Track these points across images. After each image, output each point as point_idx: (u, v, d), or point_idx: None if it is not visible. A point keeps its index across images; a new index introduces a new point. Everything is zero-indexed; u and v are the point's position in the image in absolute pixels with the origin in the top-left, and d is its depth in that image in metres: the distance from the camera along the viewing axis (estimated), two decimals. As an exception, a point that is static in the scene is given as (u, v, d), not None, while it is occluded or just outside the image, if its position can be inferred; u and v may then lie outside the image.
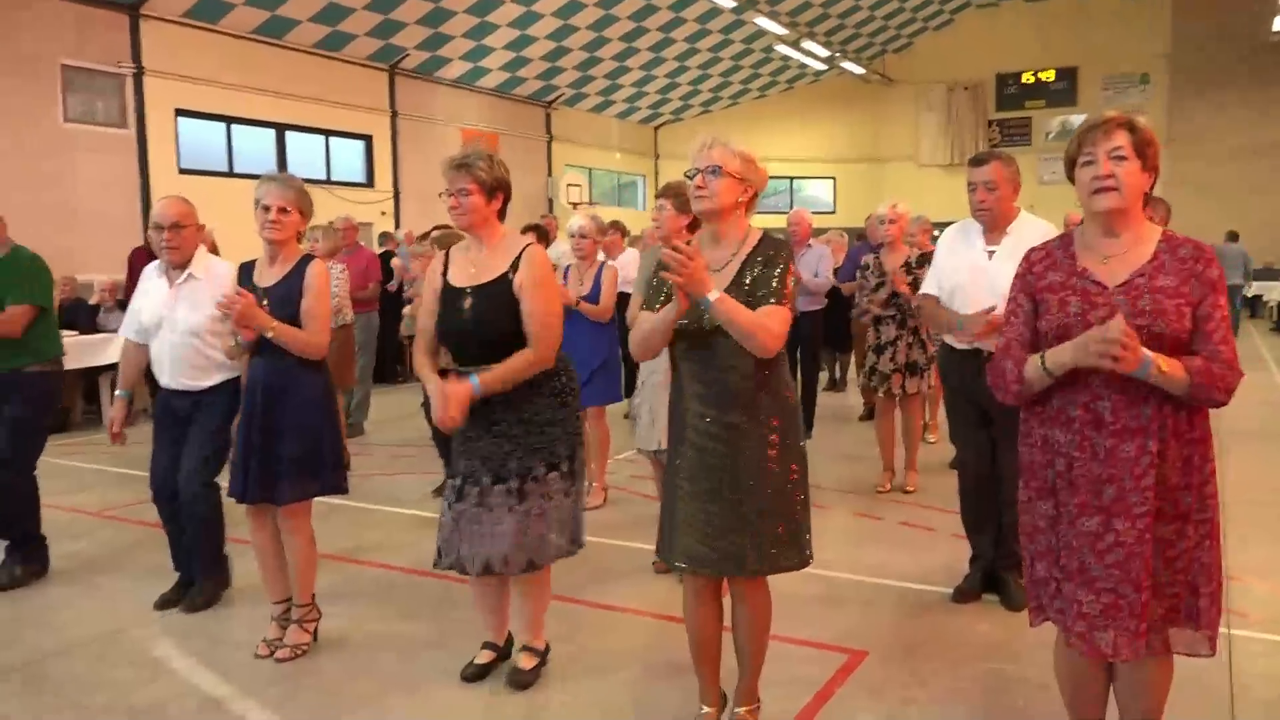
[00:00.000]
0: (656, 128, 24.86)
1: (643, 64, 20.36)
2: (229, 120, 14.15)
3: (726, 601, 3.11)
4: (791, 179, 25.30)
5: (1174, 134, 21.19)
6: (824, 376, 10.54)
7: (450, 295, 3.45)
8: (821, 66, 22.61)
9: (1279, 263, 20.13)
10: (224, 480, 4.43)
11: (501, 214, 3.52)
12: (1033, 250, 2.70)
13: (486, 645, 3.70)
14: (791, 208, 9.88)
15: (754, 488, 2.89)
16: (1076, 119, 23.41)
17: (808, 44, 20.36)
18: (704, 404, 2.93)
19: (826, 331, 8.68)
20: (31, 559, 4.93)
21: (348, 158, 16.33)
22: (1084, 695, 2.69)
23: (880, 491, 6.35)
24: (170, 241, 4.27)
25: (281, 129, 15.01)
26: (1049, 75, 23.72)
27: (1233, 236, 18.27)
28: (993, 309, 3.90)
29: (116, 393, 4.56)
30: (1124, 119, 2.47)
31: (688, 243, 2.78)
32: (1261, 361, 13.15)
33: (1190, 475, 2.47)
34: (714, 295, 2.71)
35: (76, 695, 3.59)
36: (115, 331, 9.75)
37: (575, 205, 19.47)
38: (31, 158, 11.39)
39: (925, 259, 5.78)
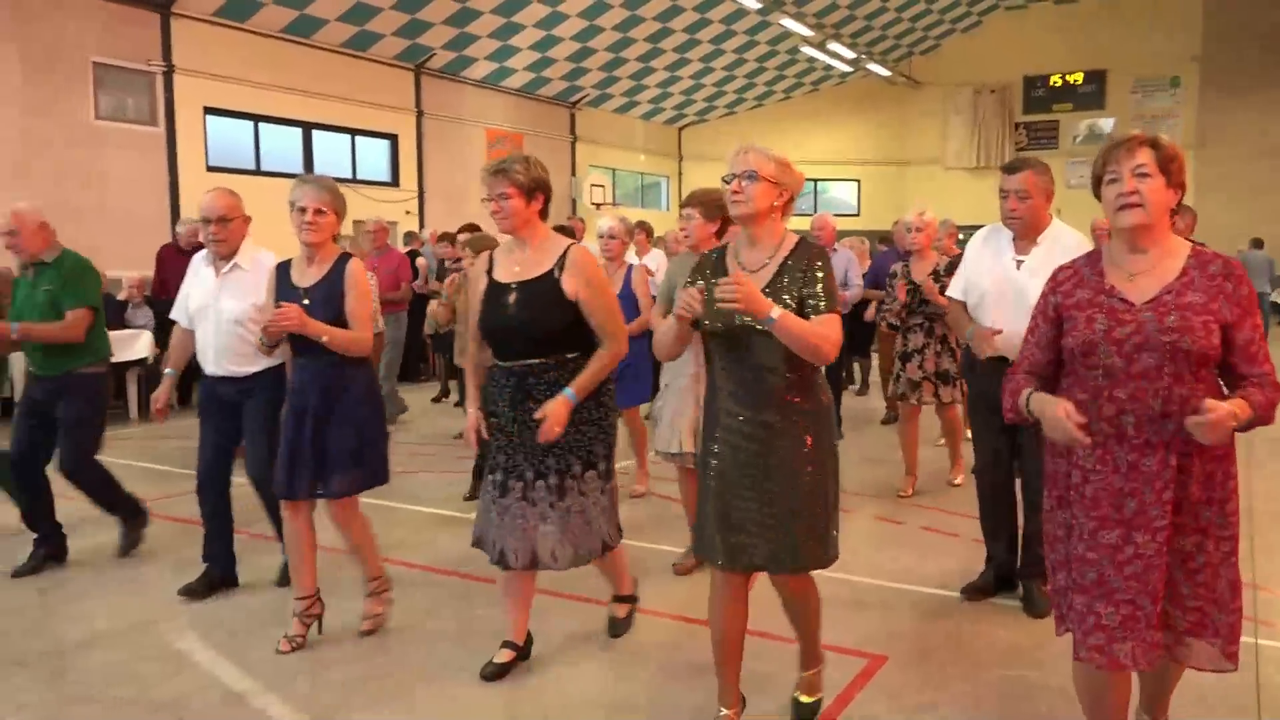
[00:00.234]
0: (681, 129, 24.84)
1: (668, 65, 20.35)
2: (257, 119, 14.27)
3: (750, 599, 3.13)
4: (815, 181, 25.20)
5: (1204, 138, 20.97)
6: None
7: (495, 292, 3.54)
8: (847, 68, 22.52)
9: (1310, 268, 19.87)
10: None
11: (543, 214, 3.60)
12: (1060, 269, 2.74)
13: (506, 644, 3.71)
14: (815, 210, 9.88)
15: (786, 486, 2.93)
16: (1105, 123, 23.21)
17: (833, 45, 20.28)
18: (738, 403, 2.98)
19: (847, 336, 8.63)
20: (133, 514, 5.22)
21: (373, 157, 16.43)
22: (1104, 705, 2.67)
23: (902, 496, 6.33)
24: (217, 234, 4.36)
25: (308, 128, 15.12)
26: (1077, 78, 23.51)
27: (1257, 243, 18.06)
28: (999, 331, 3.99)
29: (165, 370, 4.70)
30: (1148, 137, 2.52)
31: (718, 258, 3.00)
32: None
33: (1212, 490, 2.49)
34: (776, 313, 2.77)
35: (99, 687, 3.63)
36: (142, 327, 9.88)
37: (599, 206, 19.51)
38: (62, 154, 11.54)
39: (953, 266, 5.74)
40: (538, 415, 3.42)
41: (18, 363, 6.78)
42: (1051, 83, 23.79)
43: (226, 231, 4.37)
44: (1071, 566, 2.58)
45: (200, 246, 10.18)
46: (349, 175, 15.80)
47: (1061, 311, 2.64)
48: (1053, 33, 23.17)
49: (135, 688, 3.61)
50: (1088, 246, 3.88)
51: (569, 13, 16.55)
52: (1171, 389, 2.45)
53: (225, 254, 4.43)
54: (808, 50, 20.67)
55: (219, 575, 4.64)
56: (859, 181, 25.21)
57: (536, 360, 3.47)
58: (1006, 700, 3.44)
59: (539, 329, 3.45)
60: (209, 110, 13.45)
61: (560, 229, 7.57)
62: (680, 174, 24.87)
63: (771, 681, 3.50)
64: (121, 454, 7.77)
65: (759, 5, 17.02)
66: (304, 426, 3.85)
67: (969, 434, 7.74)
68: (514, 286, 3.50)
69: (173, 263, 9.84)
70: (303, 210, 3.82)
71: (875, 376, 9.53)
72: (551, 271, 3.47)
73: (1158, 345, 2.44)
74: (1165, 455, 2.45)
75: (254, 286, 4.29)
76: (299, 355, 3.91)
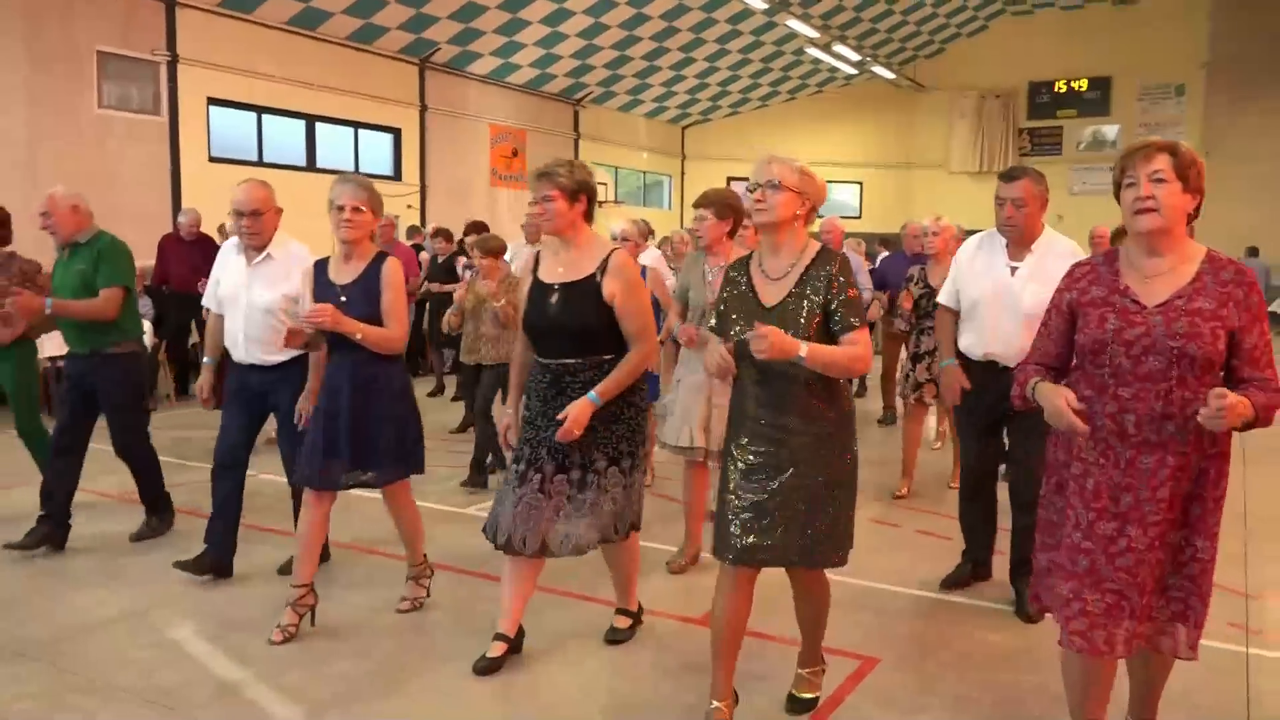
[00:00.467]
0: (684, 128, 24.84)
1: (672, 64, 20.35)
2: (260, 110, 14.26)
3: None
4: (818, 182, 25.18)
5: (1210, 145, 20.96)
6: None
7: (539, 291, 3.65)
8: (852, 71, 22.53)
9: (1314, 278, 19.87)
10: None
11: (588, 216, 3.67)
12: (1077, 265, 2.83)
13: (498, 636, 3.72)
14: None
15: (807, 486, 3.03)
16: (1109, 129, 23.21)
17: (839, 48, 20.30)
18: (763, 405, 3.07)
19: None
20: (165, 511, 5.37)
21: (376, 150, 16.42)
22: (1086, 692, 2.76)
23: (898, 497, 6.35)
24: (250, 228, 4.40)
25: (311, 120, 15.11)
26: (1082, 84, 23.51)
27: (1253, 251, 18.14)
28: (968, 389, 4.25)
29: (204, 360, 4.79)
30: (1167, 144, 2.58)
31: (744, 266, 3.15)
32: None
33: (1204, 487, 2.57)
34: (804, 351, 2.87)
35: (96, 675, 3.64)
36: (141, 317, 9.87)
37: (600, 204, 19.49)
38: (66, 143, 11.53)
39: None
40: (560, 416, 3.48)
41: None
42: (1056, 88, 23.81)
43: (260, 224, 4.43)
44: (1064, 553, 2.66)
45: (202, 237, 10.29)
46: (351, 168, 15.78)
47: (1076, 307, 2.72)
48: (1058, 38, 23.18)
49: (131, 677, 3.62)
50: (1080, 253, 4.03)
51: (575, 9, 16.54)
52: (1174, 391, 2.52)
53: (258, 246, 4.48)
54: (813, 52, 20.68)
55: (213, 559, 4.65)
56: (861, 184, 25.23)
57: (573, 360, 3.57)
58: (998, 703, 3.45)
59: (578, 329, 3.55)
60: (212, 101, 13.44)
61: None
62: (683, 173, 24.86)
63: (765, 682, 3.52)
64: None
65: (765, 6, 17.03)
66: (338, 421, 3.92)
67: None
68: (557, 287, 3.59)
69: (174, 252, 9.84)
70: (341, 208, 3.87)
71: (874, 379, 9.52)
72: (594, 275, 3.56)
73: (1165, 349, 2.51)
74: (1163, 455, 2.53)
75: (284, 276, 4.40)
76: (334, 351, 3.98)
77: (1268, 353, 2.54)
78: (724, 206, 4.63)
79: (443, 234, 10.66)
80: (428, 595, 4.34)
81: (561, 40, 17.59)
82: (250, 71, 13.68)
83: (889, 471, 6.75)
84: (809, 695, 3.38)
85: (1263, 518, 5.73)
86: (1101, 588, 2.58)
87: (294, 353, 4.42)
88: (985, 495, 4.51)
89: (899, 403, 6.85)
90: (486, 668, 3.64)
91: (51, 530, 5.07)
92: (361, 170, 15.88)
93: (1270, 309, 18.38)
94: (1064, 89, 23.73)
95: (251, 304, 4.45)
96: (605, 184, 20.60)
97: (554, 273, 3.64)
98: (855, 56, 21.02)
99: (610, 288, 3.54)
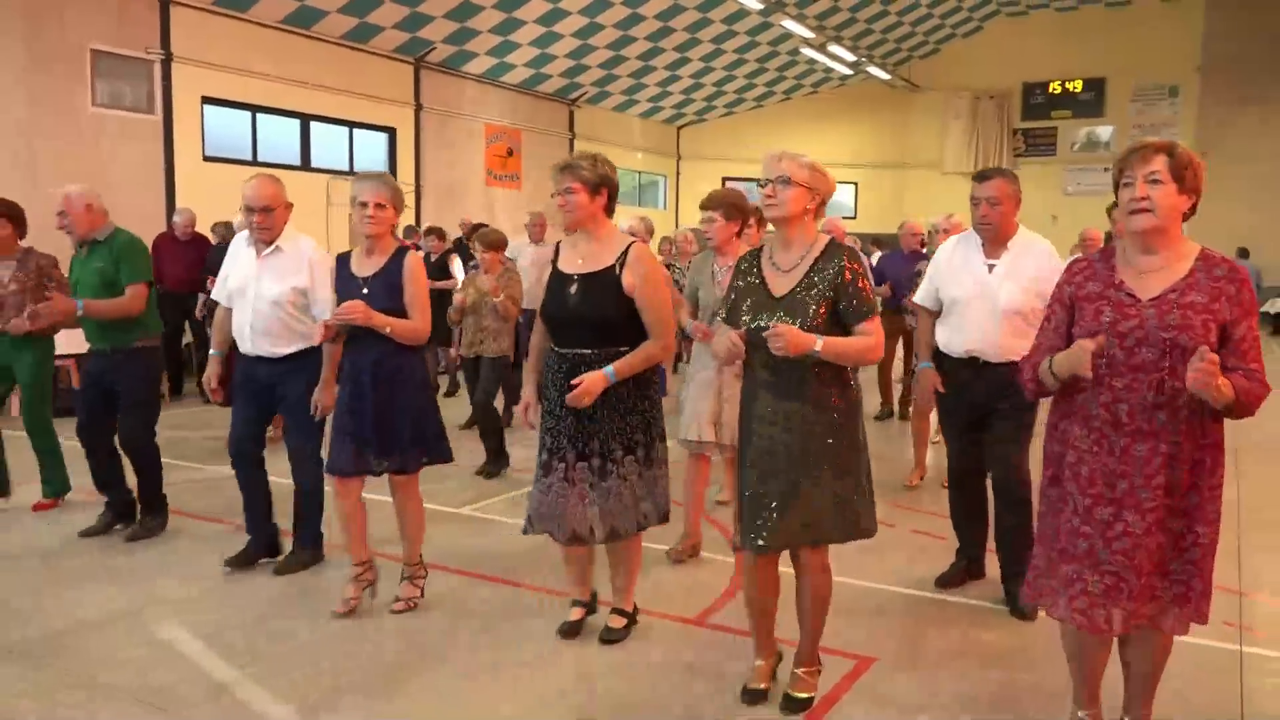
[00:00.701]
0: (679, 128, 24.83)
1: (668, 64, 20.35)
2: (254, 109, 14.23)
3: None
4: (813, 183, 25.18)
5: (1204, 146, 20.99)
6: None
7: (558, 281, 3.75)
8: (847, 71, 22.55)
9: (1307, 279, 19.97)
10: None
11: (609, 210, 3.76)
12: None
13: (576, 603, 4.04)
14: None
15: (815, 469, 3.15)
16: (1103, 130, 23.26)
17: (834, 48, 20.30)
18: (772, 393, 3.19)
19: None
20: (160, 513, 5.40)
21: (371, 150, 16.39)
22: (1083, 665, 2.95)
23: (909, 486, 6.57)
24: (261, 223, 4.47)
25: (306, 119, 15.09)
26: (1076, 85, 23.55)
27: (1243, 253, 18.24)
28: (940, 391, 4.37)
29: (211, 352, 4.84)
30: (1164, 144, 2.66)
31: (755, 259, 3.28)
32: (1283, 379, 13.03)
33: (1200, 477, 2.67)
34: (819, 345, 3.03)
35: (89, 674, 3.62)
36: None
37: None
38: (60, 141, 11.49)
39: None
40: (574, 382, 3.55)
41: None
42: (1051, 89, 23.84)
43: (271, 220, 4.49)
44: (1064, 537, 2.77)
45: (197, 236, 10.27)
46: (346, 168, 15.76)
47: (1075, 301, 2.81)
48: (1053, 39, 23.21)
49: (124, 676, 3.60)
50: (1054, 251, 4.29)
51: (570, 9, 16.53)
52: (1166, 382, 2.61)
53: (268, 240, 4.53)
54: (808, 52, 20.69)
55: (253, 548, 4.81)
56: (856, 184, 25.24)
57: (589, 350, 3.65)
58: (994, 702, 3.45)
59: (595, 319, 3.63)
60: (206, 100, 13.40)
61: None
62: (678, 173, 24.87)
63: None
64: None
65: (760, 6, 17.03)
66: (363, 410, 4.06)
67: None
68: (576, 277, 3.69)
69: (168, 252, 9.82)
70: (364, 204, 4.01)
71: (873, 375, 9.52)
72: (613, 266, 3.65)
73: (1158, 340, 2.61)
74: (1156, 443, 2.62)
75: (294, 269, 4.49)
76: (353, 342, 4.10)
77: (1255, 346, 2.62)
78: (732, 208, 4.76)
79: (435, 232, 10.69)
80: (422, 595, 4.33)
81: (557, 40, 17.57)
82: (245, 70, 13.64)
83: (885, 468, 6.74)
84: (804, 695, 3.38)
85: (1256, 516, 5.74)
86: (1100, 569, 2.68)
87: (301, 345, 4.53)
88: (972, 491, 4.56)
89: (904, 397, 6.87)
90: (569, 630, 3.94)
91: (118, 512, 5.38)
92: (356, 170, 15.85)
93: (1263, 309, 18.57)
94: (1058, 90, 23.77)
95: (260, 296, 4.50)
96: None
97: (574, 263, 3.72)
98: (850, 57, 21.04)
99: (630, 279, 3.62)
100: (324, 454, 4.74)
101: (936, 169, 24.23)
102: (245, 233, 4.66)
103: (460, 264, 10.46)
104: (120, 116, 12.31)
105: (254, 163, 14.02)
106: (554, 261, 3.82)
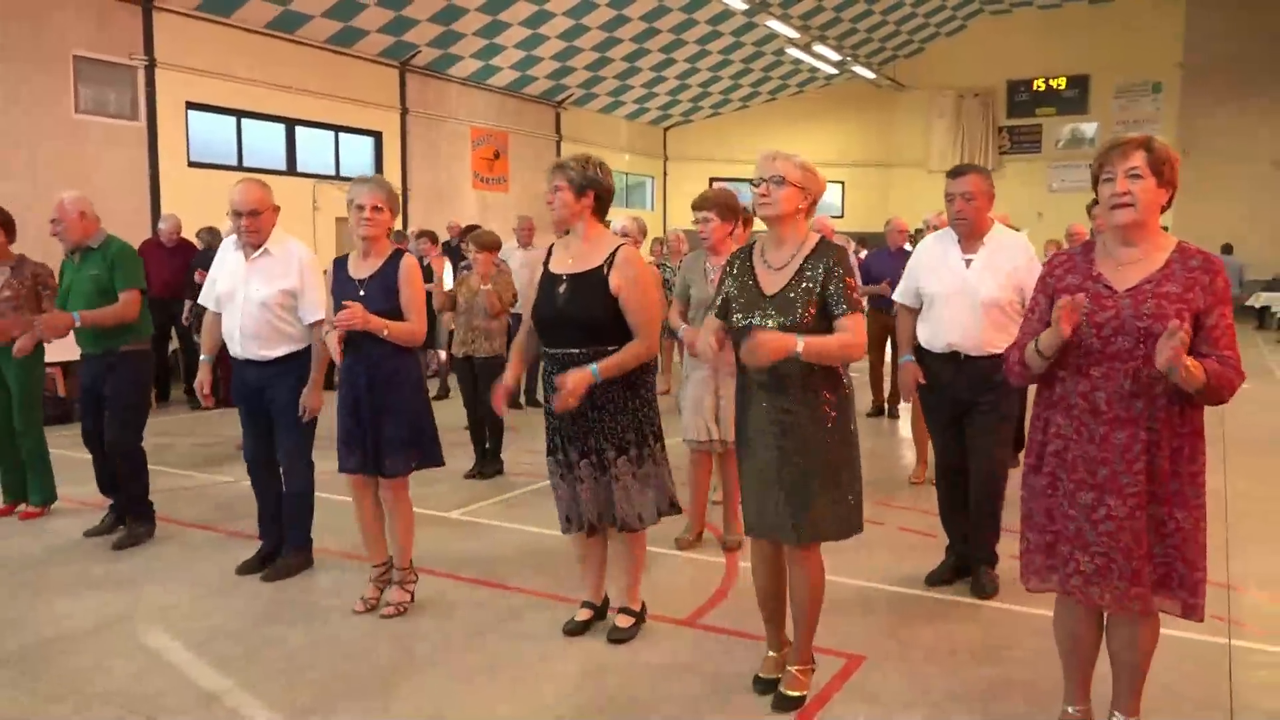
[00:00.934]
0: (666, 129, 24.85)
1: (653, 65, 20.36)
2: (239, 114, 14.17)
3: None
4: (800, 182, 25.21)
5: (1186, 143, 21.13)
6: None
7: (548, 281, 3.81)
8: (832, 71, 22.60)
9: (1287, 274, 20.10)
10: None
11: (598, 211, 3.82)
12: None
13: (585, 604, 4.09)
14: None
15: (808, 465, 3.22)
16: (1087, 127, 23.37)
17: (819, 48, 20.35)
18: (766, 391, 3.26)
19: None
20: (147, 519, 5.40)
21: (357, 154, 16.35)
22: (1078, 652, 3.00)
23: (914, 482, 6.64)
24: (249, 226, 4.50)
25: (291, 124, 15.04)
26: (1060, 83, 23.67)
27: (1227, 249, 18.39)
28: (923, 383, 4.45)
29: (202, 358, 4.88)
30: (1142, 140, 2.72)
31: (746, 256, 3.35)
32: (1268, 373, 13.10)
33: (1180, 464, 2.73)
34: (800, 347, 3.06)
35: (75, 684, 3.60)
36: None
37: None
38: (43, 148, 11.42)
39: None
40: (557, 381, 3.60)
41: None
42: (1035, 87, 23.96)
43: (258, 223, 4.52)
44: (1058, 518, 2.85)
45: (183, 243, 10.23)
46: (332, 172, 15.73)
47: (1053, 293, 2.87)
48: (1036, 37, 23.33)
49: (110, 685, 3.58)
50: (1028, 245, 4.40)
51: (555, 11, 16.52)
52: (1141, 370, 2.67)
53: (256, 244, 4.57)
54: (793, 52, 20.73)
55: (266, 552, 4.84)
56: (843, 183, 25.30)
57: (578, 350, 3.69)
58: (983, 698, 3.46)
59: (583, 319, 3.68)
60: (191, 105, 13.35)
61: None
62: (665, 174, 24.88)
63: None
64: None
65: (745, 6, 17.05)
66: (359, 412, 4.13)
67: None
68: (565, 278, 3.74)
69: (154, 259, 9.75)
70: (360, 207, 4.06)
71: (867, 375, 9.55)
72: (601, 267, 3.69)
73: (1133, 329, 2.68)
74: (1135, 430, 2.69)
75: (283, 272, 4.51)
76: (350, 345, 4.13)
77: (1228, 333, 2.68)
78: (726, 208, 4.86)
79: (427, 235, 10.70)
80: (412, 600, 4.32)
81: (542, 42, 17.56)
82: (229, 75, 13.59)
83: (874, 467, 6.76)
84: (796, 693, 3.40)
85: (1244, 511, 5.76)
86: (1089, 551, 2.77)
87: (290, 348, 4.57)
88: (959, 486, 4.59)
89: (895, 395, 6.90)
90: (575, 629, 3.99)
91: (142, 515, 5.37)
92: (342, 174, 15.83)
93: (1246, 304, 18.73)
94: (1042, 87, 23.88)
95: (249, 299, 4.52)
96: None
97: (563, 264, 3.78)
98: (835, 56, 21.09)
99: (616, 280, 3.67)
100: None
101: (922, 167, 24.30)
102: (233, 237, 4.68)
103: (450, 268, 10.43)
104: (104, 123, 12.25)
105: (239, 168, 13.96)
106: (545, 262, 3.88)
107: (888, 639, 4.00)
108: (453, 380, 9.74)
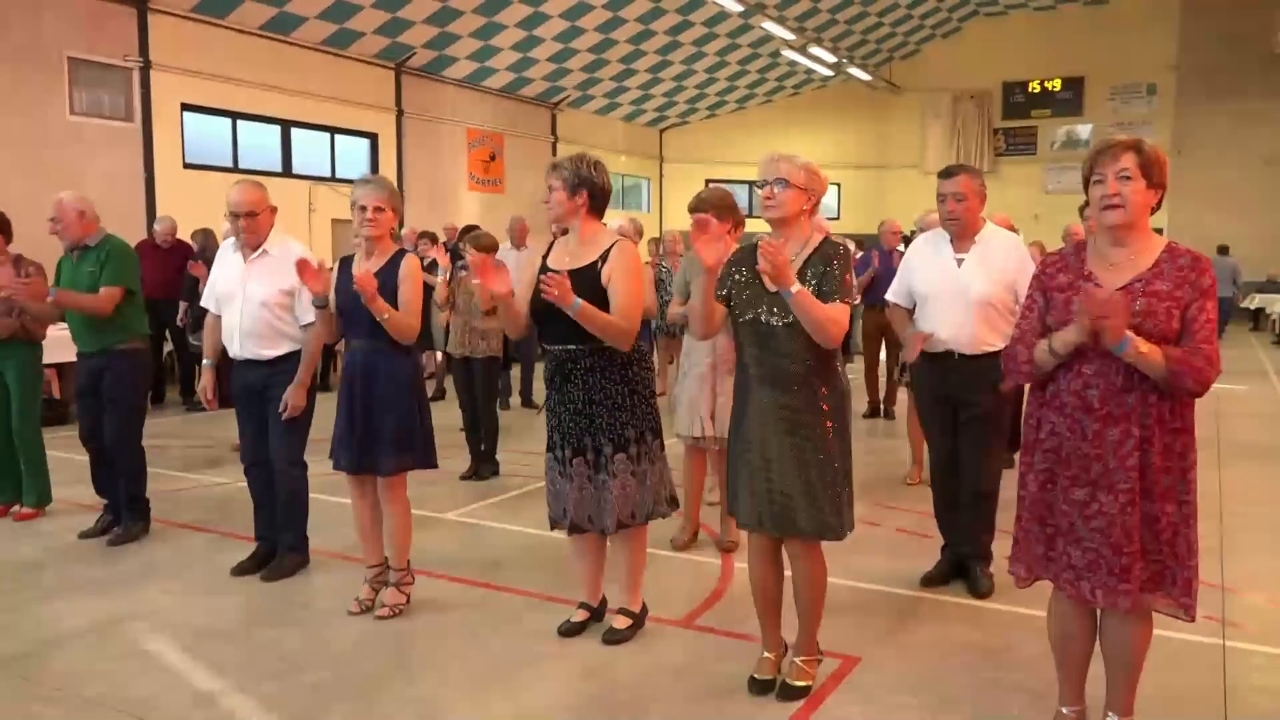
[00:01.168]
0: (662, 131, 24.87)
1: (649, 66, 20.37)
2: (234, 116, 14.16)
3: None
4: (796, 184, 25.20)
5: (1180, 145, 21.19)
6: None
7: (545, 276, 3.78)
8: (828, 72, 22.62)
9: (1282, 275, 20.13)
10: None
11: (594, 210, 3.84)
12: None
13: (582, 605, 4.09)
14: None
15: (806, 462, 3.26)
16: (1082, 129, 23.41)
17: (815, 50, 20.37)
18: (764, 385, 3.31)
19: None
20: (142, 517, 5.44)
21: (353, 156, 16.34)
22: (1071, 651, 3.01)
23: (909, 483, 6.64)
24: (246, 228, 4.56)
25: (287, 125, 15.03)
26: (1055, 85, 23.71)
27: (1223, 250, 18.44)
28: (930, 335, 4.36)
29: (204, 362, 4.90)
30: (1132, 142, 2.76)
31: (752, 252, 3.26)
32: (1263, 374, 13.13)
33: (1171, 460, 2.76)
34: (795, 288, 3.10)
35: (69, 686, 3.59)
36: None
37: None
38: (38, 150, 11.41)
39: None
40: (544, 280, 3.52)
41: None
42: (1030, 89, 23.99)
43: (255, 224, 4.58)
44: (1055, 513, 2.88)
45: (178, 244, 10.23)
46: (328, 174, 15.72)
47: (1047, 291, 2.92)
48: (1031, 39, 23.36)
49: (104, 688, 3.57)
50: (1019, 244, 4.45)
51: (551, 13, 16.53)
52: (1132, 367, 2.69)
53: (254, 245, 4.61)
54: (789, 54, 20.74)
55: (267, 552, 4.84)
56: (839, 185, 25.31)
57: (575, 346, 3.73)
58: (978, 701, 3.46)
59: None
60: (186, 107, 13.34)
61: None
62: (661, 175, 24.88)
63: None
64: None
65: (741, 8, 17.06)
66: (354, 407, 4.15)
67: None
68: (562, 274, 3.70)
69: (149, 260, 9.74)
70: (363, 208, 4.11)
71: (861, 379, 9.56)
72: (595, 263, 3.73)
73: (1122, 304, 2.67)
74: (1128, 426, 2.73)
75: (281, 271, 4.51)
76: (350, 341, 4.20)
77: (1206, 326, 2.71)
78: (724, 209, 4.91)
79: (428, 236, 10.74)
80: (408, 602, 4.31)
81: (538, 44, 17.57)
82: (224, 77, 13.58)
83: (871, 468, 6.77)
84: (802, 684, 3.44)
85: (1238, 513, 5.77)
86: (1081, 546, 2.81)
87: (289, 347, 4.60)
88: (954, 486, 4.60)
89: (904, 393, 6.97)
90: (569, 630, 3.99)
91: (139, 512, 5.42)
92: (339, 176, 15.82)
93: (1242, 305, 18.76)
94: (1038, 89, 23.91)
95: (248, 298, 4.57)
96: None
97: (561, 261, 3.82)
98: (831, 58, 21.11)
99: (607, 270, 3.71)
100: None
101: (918, 169, 24.31)
102: (232, 239, 4.71)
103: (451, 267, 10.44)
104: (99, 125, 12.24)
105: (235, 170, 13.96)
106: (545, 257, 3.92)
107: (883, 640, 4.00)
108: (448, 382, 9.77)
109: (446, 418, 8.11)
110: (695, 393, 5.03)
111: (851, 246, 11.11)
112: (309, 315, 4.53)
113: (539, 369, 6.13)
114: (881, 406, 9.36)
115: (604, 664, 3.77)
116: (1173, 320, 2.69)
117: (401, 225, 15.36)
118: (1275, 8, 18.90)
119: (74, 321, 5.39)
